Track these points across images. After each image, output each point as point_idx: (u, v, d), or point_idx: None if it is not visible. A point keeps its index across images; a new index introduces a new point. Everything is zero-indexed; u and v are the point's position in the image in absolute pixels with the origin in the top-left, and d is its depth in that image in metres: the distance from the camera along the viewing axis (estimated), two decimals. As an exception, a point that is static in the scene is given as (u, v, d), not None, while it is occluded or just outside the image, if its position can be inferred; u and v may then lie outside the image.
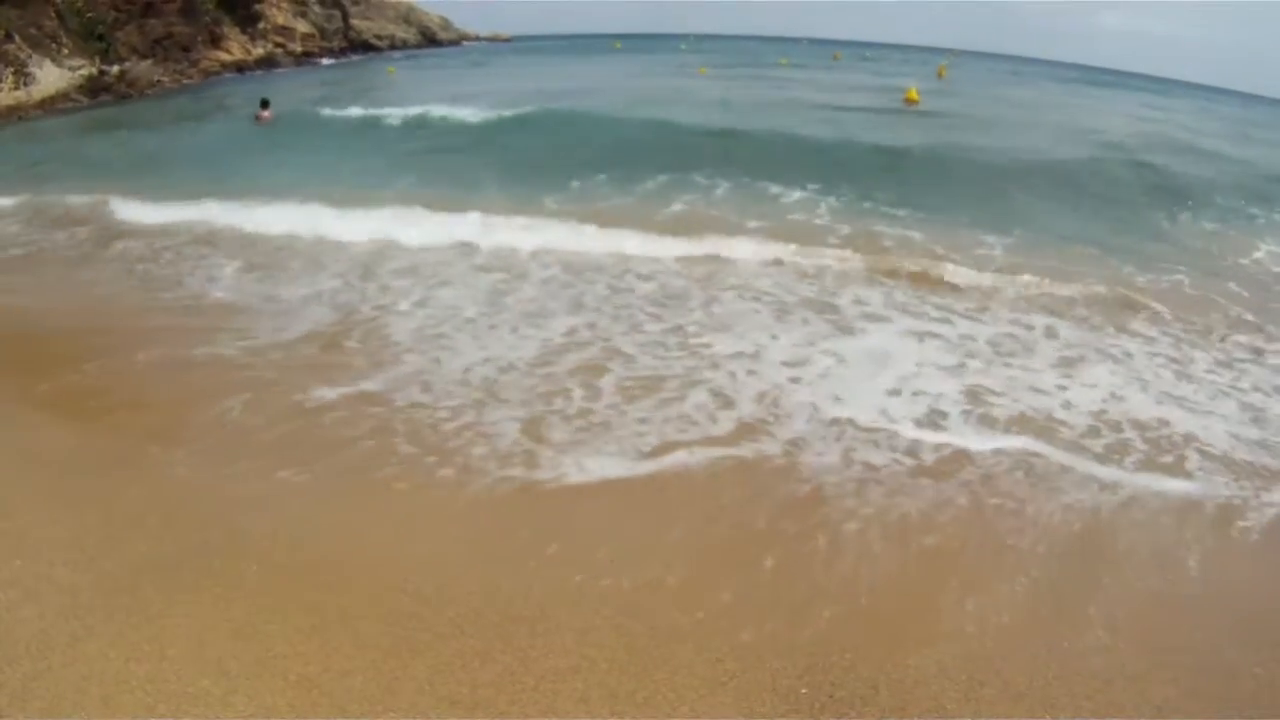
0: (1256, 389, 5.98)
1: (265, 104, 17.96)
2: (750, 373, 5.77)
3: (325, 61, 42.50)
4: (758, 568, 3.76)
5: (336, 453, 4.68)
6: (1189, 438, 5.14)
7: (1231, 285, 8.55)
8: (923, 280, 7.92)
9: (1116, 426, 5.24)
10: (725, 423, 5.07)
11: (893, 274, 8.05)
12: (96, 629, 3.30)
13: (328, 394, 5.34)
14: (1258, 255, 10.02)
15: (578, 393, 5.40)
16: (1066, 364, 6.18)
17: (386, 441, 4.81)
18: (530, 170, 12.46)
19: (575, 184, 11.58)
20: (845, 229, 9.67)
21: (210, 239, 9.10)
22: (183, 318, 6.77)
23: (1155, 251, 9.61)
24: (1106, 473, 4.71)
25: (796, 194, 11.26)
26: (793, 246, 8.63)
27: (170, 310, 6.95)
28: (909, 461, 4.74)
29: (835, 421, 5.12)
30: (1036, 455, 4.85)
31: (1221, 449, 5.05)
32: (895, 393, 5.55)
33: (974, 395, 5.55)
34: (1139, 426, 5.25)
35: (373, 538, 3.94)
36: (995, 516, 4.25)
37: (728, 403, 5.30)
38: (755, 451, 4.77)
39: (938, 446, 4.90)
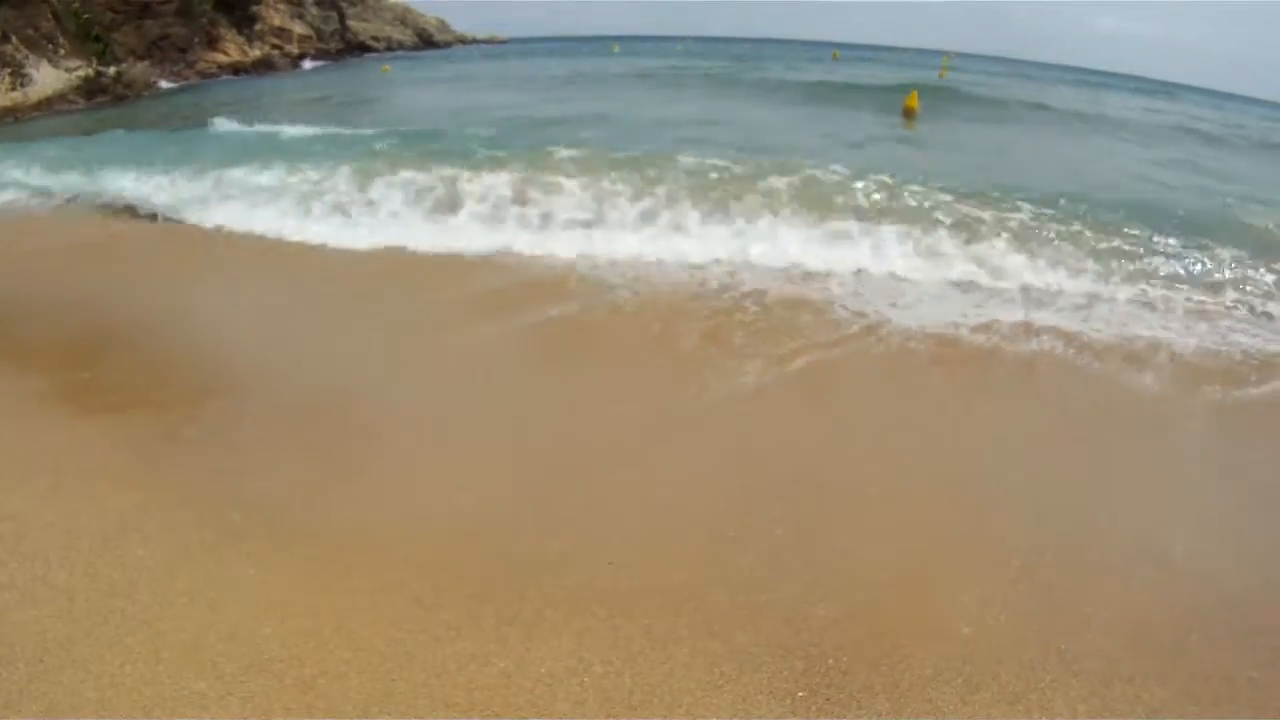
0: (1232, 326, 7.42)
1: None
2: (858, 295, 7.68)
3: (307, 65, 41.57)
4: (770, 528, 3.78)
5: (350, 442, 4.70)
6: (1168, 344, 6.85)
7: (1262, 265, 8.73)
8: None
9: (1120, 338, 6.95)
10: (855, 327, 6.92)
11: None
12: (93, 632, 3.30)
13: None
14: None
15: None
16: (1086, 306, 7.75)
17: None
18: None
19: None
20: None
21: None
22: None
23: (1192, 227, 9.71)
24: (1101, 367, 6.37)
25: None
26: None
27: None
28: (960, 351, 6.58)
29: (916, 330, 6.91)
30: (1056, 352, 6.60)
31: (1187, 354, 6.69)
32: (964, 314, 7.33)
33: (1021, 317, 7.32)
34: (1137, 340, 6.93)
35: (371, 539, 3.94)
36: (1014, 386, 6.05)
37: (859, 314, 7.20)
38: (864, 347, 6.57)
39: (982, 345, 6.72)
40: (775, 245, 8.70)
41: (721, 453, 4.86)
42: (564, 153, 10.96)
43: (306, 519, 4.09)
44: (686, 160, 10.98)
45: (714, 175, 10.39)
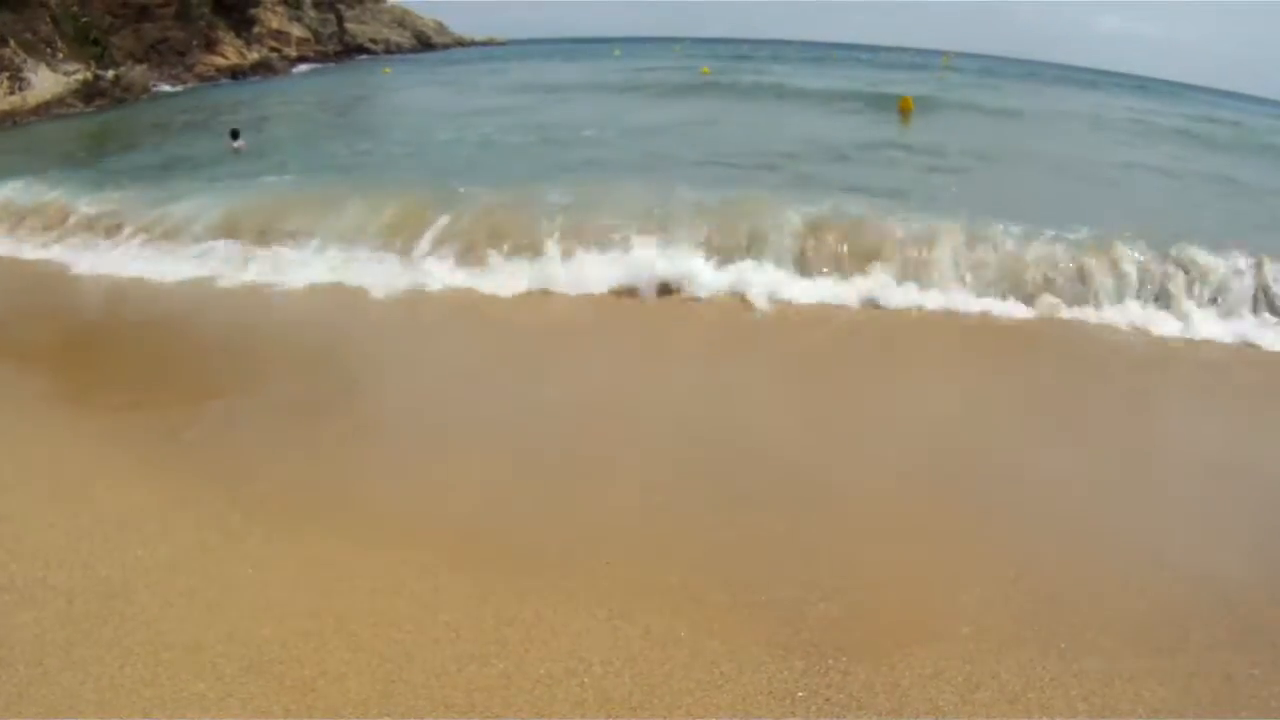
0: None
1: (235, 134, 15.60)
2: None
3: (302, 68, 40.74)
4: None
5: (349, 444, 4.70)
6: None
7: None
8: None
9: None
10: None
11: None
12: (92, 634, 3.29)
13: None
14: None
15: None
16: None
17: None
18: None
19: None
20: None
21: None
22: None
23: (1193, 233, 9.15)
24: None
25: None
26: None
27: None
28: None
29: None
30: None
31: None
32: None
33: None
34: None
35: (370, 542, 3.93)
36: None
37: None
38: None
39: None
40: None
41: (720, 451, 4.86)
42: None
43: (305, 521, 4.09)
44: (688, 195, 9.63)
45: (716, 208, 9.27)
